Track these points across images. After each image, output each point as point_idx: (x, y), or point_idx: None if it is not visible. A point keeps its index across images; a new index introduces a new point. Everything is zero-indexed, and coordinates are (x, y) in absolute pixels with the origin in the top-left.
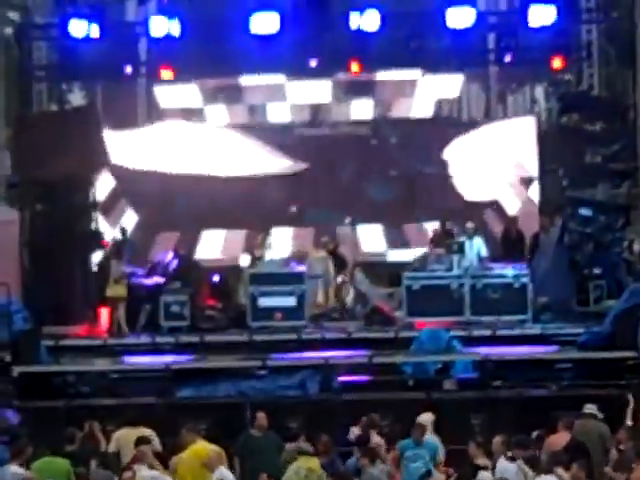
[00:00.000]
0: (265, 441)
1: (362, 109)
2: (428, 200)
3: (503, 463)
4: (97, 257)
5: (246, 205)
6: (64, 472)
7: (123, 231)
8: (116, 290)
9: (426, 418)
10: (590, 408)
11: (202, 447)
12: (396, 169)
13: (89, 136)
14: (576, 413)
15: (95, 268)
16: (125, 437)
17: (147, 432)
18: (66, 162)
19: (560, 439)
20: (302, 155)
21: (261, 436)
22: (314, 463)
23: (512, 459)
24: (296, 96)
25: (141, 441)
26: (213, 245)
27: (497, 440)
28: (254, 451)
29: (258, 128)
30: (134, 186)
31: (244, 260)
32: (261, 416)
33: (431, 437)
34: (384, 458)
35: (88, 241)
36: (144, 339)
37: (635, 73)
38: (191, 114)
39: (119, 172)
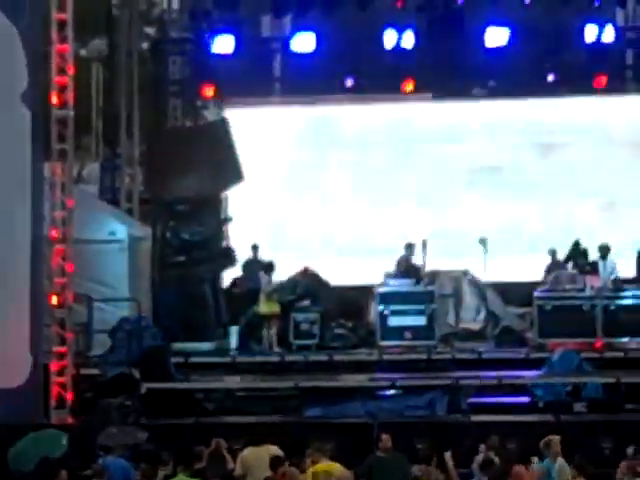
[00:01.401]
0: (392, 462)
1: None
2: None
3: None
4: (228, 274)
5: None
6: None
7: (255, 248)
8: (270, 307)
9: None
10: None
11: (332, 466)
12: None
13: (222, 152)
14: None
15: (226, 285)
16: (252, 456)
17: (275, 451)
18: (199, 178)
19: None
20: None
21: (387, 457)
22: None
23: None
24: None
25: (277, 461)
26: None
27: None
28: (381, 472)
29: None
30: None
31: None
32: (385, 437)
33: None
34: None
35: (219, 258)
36: (273, 357)
37: None
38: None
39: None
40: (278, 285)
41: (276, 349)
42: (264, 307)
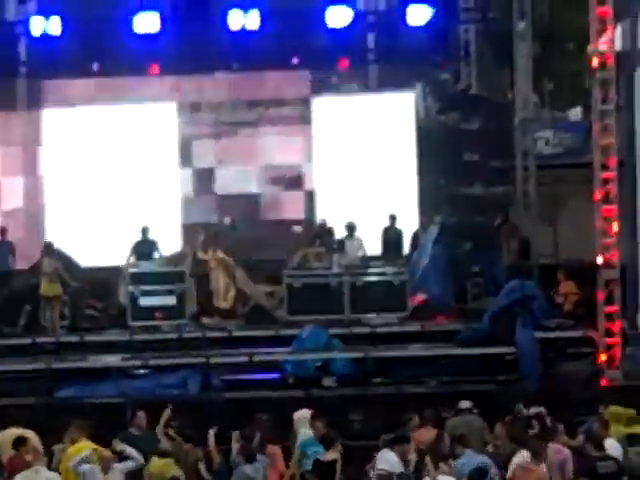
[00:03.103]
0: (145, 440)
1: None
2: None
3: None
4: None
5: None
6: None
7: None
8: (52, 289)
9: (302, 414)
10: (465, 404)
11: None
12: None
13: None
14: (454, 409)
15: None
16: (5, 440)
17: (27, 433)
18: None
19: (427, 434)
20: None
21: (141, 435)
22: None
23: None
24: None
25: (19, 441)
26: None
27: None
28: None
29: None
30: None
31: (124, 260)
32: (141, 415)
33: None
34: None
35: None
36: (25, 339)
37: (512, 72)
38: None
39: None
40: (27, 269)
41: (58, 331)
42: (46, 289)
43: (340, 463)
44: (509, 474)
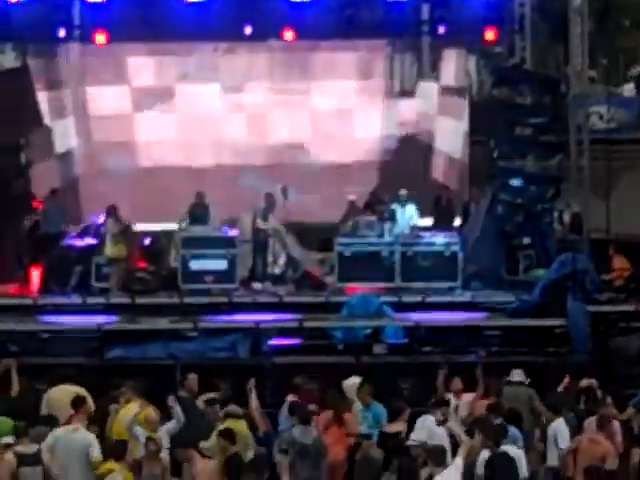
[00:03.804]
0: (194, 403)
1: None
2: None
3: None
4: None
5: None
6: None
7: (53, 192)
8: (118, 250)
9: (352, 382)
10: (517, 374)
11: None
12: None
13: (21, 98)
14: (504, 379)
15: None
16: (56, 396)
17: (80, 391)
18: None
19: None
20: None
21: (190, 397)
22: (241, 425)
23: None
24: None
25: (79, 400)
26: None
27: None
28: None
29: None
30: None
31: (177, 224)
32: (192, 377)
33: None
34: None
35: (20, 202)
36: (75, 300)
37: (566, 47)
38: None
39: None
40: (80, 230)
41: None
42: (112, 250)
43: (405, 434)
44: (573, 444)
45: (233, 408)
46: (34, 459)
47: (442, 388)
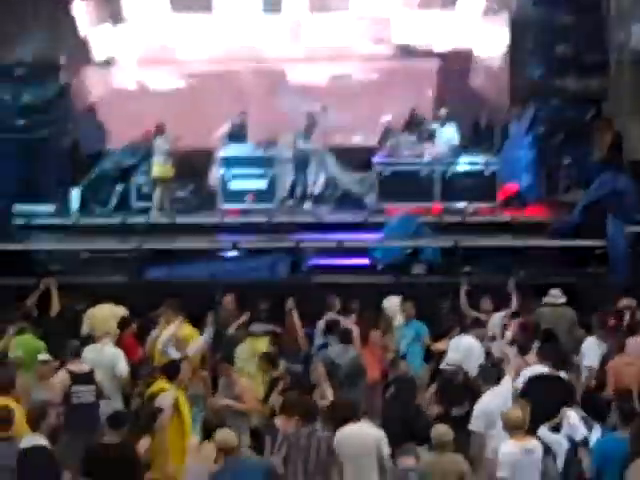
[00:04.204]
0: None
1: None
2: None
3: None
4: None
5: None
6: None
7: (90, 108)
8: (165, 170)
9: (394, 302)
10: (555, 294)
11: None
12: None
13: (60, 16)
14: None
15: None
16: (97, 315)
17: (120, 310)
18: (37, 42)
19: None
20: None
21: (226, 317)
22: (261, 344)
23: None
24: None
25: (125, 321)
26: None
27: None
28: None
29: None
30: None
31: (214, 143)
32: (229, 298)
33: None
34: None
35: (60, 121)
36: (115, 220)
37: None
38: None
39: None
40: (120, 149)
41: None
42: (159, 170)
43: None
44: (612, 363)
45: (255, 327)
46: (87, 378)
47: (466, 307)
